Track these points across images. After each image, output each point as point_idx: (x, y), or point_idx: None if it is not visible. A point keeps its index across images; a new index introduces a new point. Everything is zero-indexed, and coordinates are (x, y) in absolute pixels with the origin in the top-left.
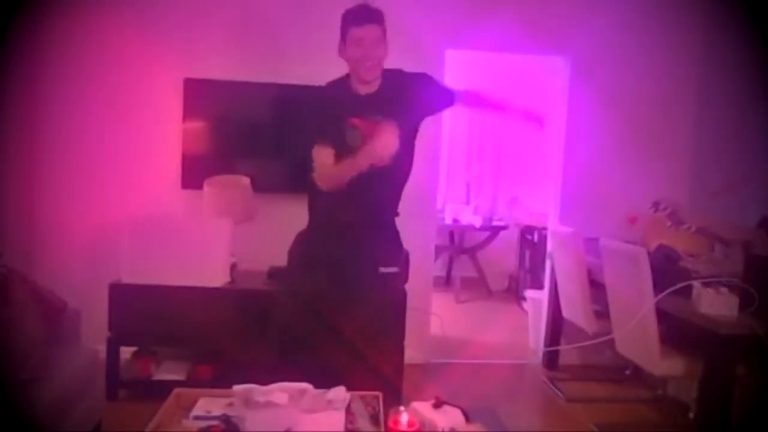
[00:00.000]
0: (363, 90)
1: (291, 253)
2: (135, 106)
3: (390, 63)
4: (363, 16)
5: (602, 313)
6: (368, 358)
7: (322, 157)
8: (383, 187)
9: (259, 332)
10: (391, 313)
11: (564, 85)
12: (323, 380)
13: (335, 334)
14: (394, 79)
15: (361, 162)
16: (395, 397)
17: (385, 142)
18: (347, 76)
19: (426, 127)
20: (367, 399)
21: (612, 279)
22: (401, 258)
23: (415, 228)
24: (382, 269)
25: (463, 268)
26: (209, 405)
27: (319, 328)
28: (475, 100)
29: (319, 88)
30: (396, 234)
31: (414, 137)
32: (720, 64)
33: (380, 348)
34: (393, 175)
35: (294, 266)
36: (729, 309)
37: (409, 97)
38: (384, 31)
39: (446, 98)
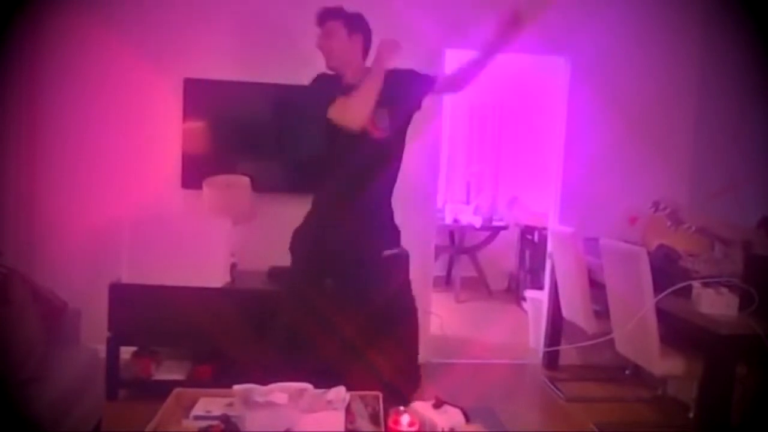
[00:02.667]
0: (352, 81)
1: (292, 248)
2: (135, 106)
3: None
4: (322, 16)
5: (602, 313)
6: (384, 346)
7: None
8: (376, 175)
9: (259, 332)
10: (402, 296)
11: (564, 85)
12: (334, 377)
13: (344, 325)
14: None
15: (376, 73)
16: (413, 384)
17: (387, 44)
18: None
19: (426, 127)
20: (366, 399)
21: (612, 279)
22: (400, 239)
23: (415, 228)
24: (386, 252)
25: (463, 268)
26: (209, 405)
27: (326, 322)
28: (464, 72)
29: (312, 82)
30: (391, 217)
31: (405, 128)
32: (719, 64)
33: (396, 336)
34: (385, 164)
35: (297, 260)
36: (729, 309)
37: (399, 90)
38: (346, 25)
39: (428, 82)
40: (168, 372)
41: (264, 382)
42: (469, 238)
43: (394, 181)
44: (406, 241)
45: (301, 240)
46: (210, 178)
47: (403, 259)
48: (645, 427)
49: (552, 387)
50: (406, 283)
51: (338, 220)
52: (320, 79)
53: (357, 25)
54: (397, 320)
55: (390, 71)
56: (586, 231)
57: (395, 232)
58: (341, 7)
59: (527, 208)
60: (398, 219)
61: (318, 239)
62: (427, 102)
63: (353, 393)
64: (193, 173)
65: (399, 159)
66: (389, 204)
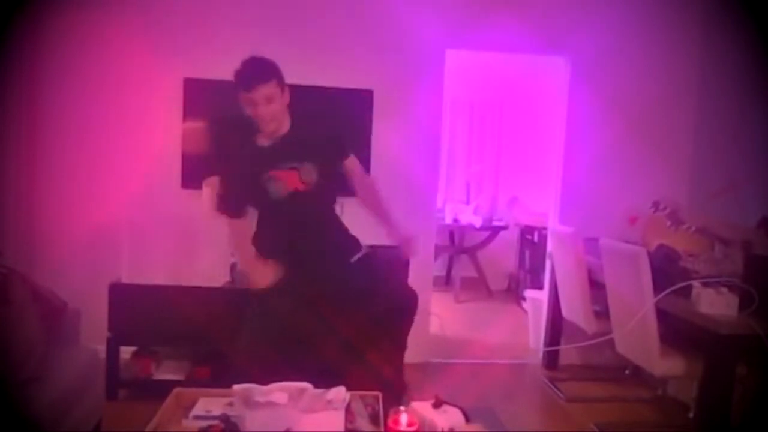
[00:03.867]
0: (268, 141)
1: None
2: (135, 106)
3: (390, 63)
4: (252, 78)
5: (602, 313)
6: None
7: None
8: (316, 214)
9: (259, 332)
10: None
11: (564, 85)
12: (334, 377)
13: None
14: (301, 121)
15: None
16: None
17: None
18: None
19: (426, 126)
20: (366, 399)
21: (612, 279)
22: (358, 242)
23: (415, 228)
24: (352, 258)
25: (463, 268)
26: (209, 405)
27: (322, 324)
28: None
29: (226, 131)
30: (344, 230)
31: (338, 169)
32: (720, 64)
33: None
34: (321, 204)
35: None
36: (729, 309)
37: (317, 137)
38: (279, 83)
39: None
40: (168, 372)
41: (264, 382)
42: (469, 238)
43: (334, 202)
44: None
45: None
46: (210, 178)
47: (375, 256)
48: (645, 427)
49: (552, 387)
50: (400, 282)
51: (300, 265)
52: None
53: (282, 77)
54: (398, 310)
55: (306, 114)
56: (586, 231)
57: (352, 240)
58: (273, 63)
59: (527, 208)
60: (398, 219)
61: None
62: (427, 101)
63: (353, 393)
64: (193, 173)
65: (331, 198)
66: (337, 220)
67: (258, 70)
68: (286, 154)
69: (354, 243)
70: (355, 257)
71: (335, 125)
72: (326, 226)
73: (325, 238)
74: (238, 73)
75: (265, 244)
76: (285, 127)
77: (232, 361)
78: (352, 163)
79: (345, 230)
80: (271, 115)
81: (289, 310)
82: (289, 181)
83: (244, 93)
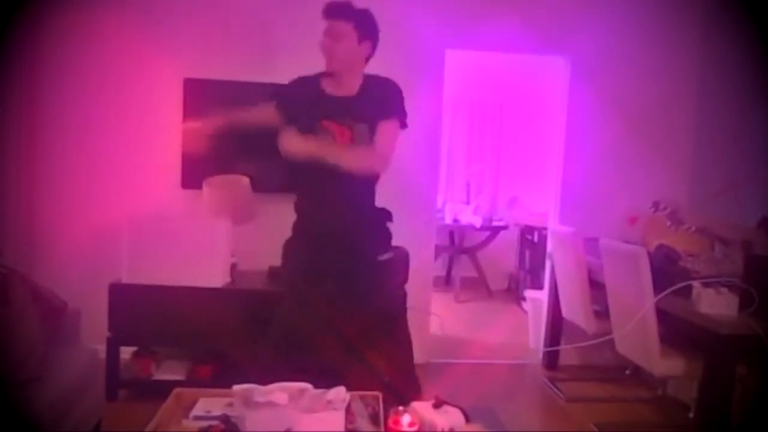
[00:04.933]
0: (338, 92)
1: (285, 262)
2: (135, 106)
3: (390, 63)
4: (335, 9)
5: (602, 313)
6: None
7: (291, 132)
8: (354, 183)
9: (259, 332)
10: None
11: (564, 85)
12: (334, 376)
13: (343, 327)
14: (375, 86)
15: (328, 158)
16: (414, 388)
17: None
18: (321, 75)
19: (426, 126)
20: (366, 399)
21: (612, 279)
22: (391, 243)
23: (415, 228)
24: (380, 257)
25: (463, 268)
26: (209, 405)
27: (324, 324)
28: None
29: (291, 83)
30: (381, 221)
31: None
32: (720, 64)
33: (393, 337)
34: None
35: (292, 272)
36: (729, 309)
37: (382, 107)
38: (357, 28)
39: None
40: (168, 372)
41: (264, 382)
42: (469, 238)
43: (374, 186)
44: (406, 240)
45: (293, 253)
46: (210, 178)
47: (401, 261)
48: (645, 427)
49: (552, 387)
50: (400, 286)
51: (327, 230)
52: (298, 83)
53: (369, 31)
54: (389, 323)
55: (383, 84)
56: (586, 231)
57: (386, 236)
58: (353, 5)
59: (527, 208)
60: (398, 219)
61: (310, 252)
62: (427, 102)
63: (353, 393)
64: (193, 173)
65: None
66: (375, 208)
67: (344, 7)
68: (345, 108)
69: (386, 238)
70: (384, 256)
71: (400, 96)
72: (364, 208)
73: (358, 226)
74: (326, 3)
75: (301, 205)
76: (354, 87)
77: (255, 359)
78: (389, 125)
79: (380, 219)
80: (336, 53)
81: (306, 305)
82: (340, 136)
83: (324, 22)
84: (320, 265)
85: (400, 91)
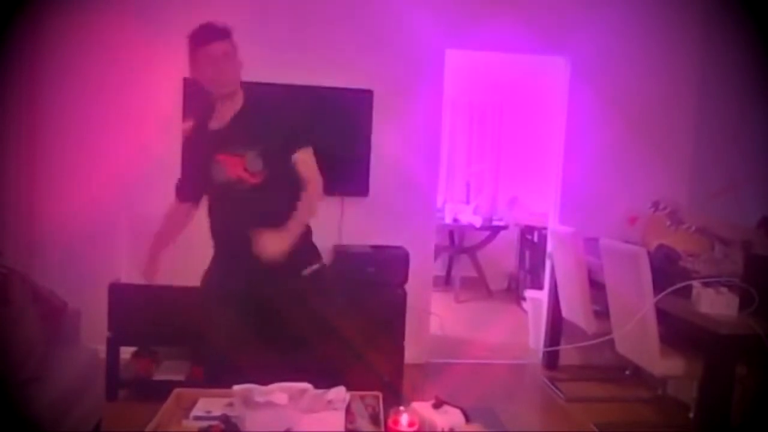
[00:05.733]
0: (216, 124)
1: (205, 293)
2: (135, 106)
3: (390, 63)
4: (211, 34)
5: (602, 313)
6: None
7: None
8: (263, 206)
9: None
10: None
11: (564, 85)
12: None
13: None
14: (256, 103)
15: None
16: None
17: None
18: (206, 108)
19: (426, 126)
20: (366, 399)
21: (612, 279)
22: (317, 254)
23: (415, 227)
24: (305, 271)
25: (463, 268)
26: (209, 405)
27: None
28: None
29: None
30: (302, 236)
31: (287, 160)
32: (720, 64)
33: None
34: (270, 201)
35: (212, 307)
36: (729, 309)
37: (271, 124)
38: (232, 44)
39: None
40: (168, 372)
41: (264, 382)
42: (468, 238)
43: (293, 199)
44: (406, 240)
45: (209, 281)
46: None
47: (326, 274)
48: (645, 427)
49: (552, 387)
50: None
51: (245, 252)
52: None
53: (234, 41)
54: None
55: (261, 100)
56: (586, 231)
57: (312, 250)
58: (226, 25)
59: (527, 208)
60: (398, 218)
61: (228, 278)
62: (427, 101)
63: (353, 393)
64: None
65: (284, 189)
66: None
67: (215, 28)
68: (233, 138)
69: (311, 253)
70: (309, 269)
71: (294, 114)
72: (276, 222)
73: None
74: (195, 32)
75: (215, 235)
76: (238, 102)
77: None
78: (303, 155)
79: (303, 235)
80: (228, 74)
81: (227, 315)
82: (231, 167)
83: (202, 48)
84: (238, 289)
85: (292, 112)
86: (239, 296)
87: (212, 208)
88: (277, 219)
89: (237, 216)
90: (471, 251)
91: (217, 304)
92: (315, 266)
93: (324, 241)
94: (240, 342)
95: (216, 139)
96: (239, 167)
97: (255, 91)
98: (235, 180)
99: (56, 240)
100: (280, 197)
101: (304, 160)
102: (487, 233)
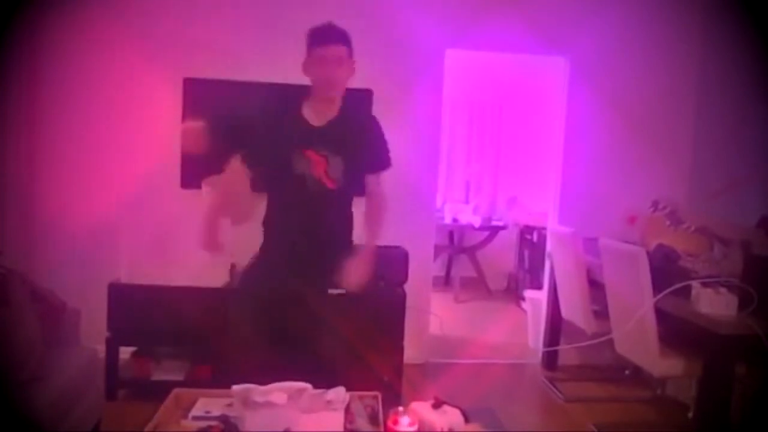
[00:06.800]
0: (316, 120)
1: (243, 285)
2: (135, 106)
3: (390, 63)
4: (330, 36)
5: (601, 313)
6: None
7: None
8: (329, 210)
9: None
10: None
11: (564, 85)
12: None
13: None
14: (352, 114)
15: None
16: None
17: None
18: (301, 100)
19: (425, 126)
20: (366, 399)
21: (611, 279)
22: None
23: (415, 227)
24: (332, 291)
25: (463, 268)
26: (208, 405)
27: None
28: None
29: (266, 114)
30: (350, 242)
31: (359, 171)
32: (719, 63)
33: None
34: (337, 211)
35: (247, 301)
36: (728, 309)
37: (358, 139)
38: (349, 52)
39: (383, 159)
40: (167, 372)
41: (264, 382)
42: (468, 238)
43: (349, 205)
44: (405, 240)
45: (253, 280)
46: (209, 178)
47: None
48: (644, 427)
49: (551, 387)
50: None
51: (296, 260)
52: (276, 113)
53: (352, 51)
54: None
55: (358, 113)
56: (585, 231)
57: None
58: (348, 34)
59: (527, 208)
60: (398, 219)
61: (273, 278)
62: (426, 101)
63: (353, 393)
64: (193, 173)
65: (349, 199)
66: (347, 241)
67: (336, 31)
68: (324, 138)
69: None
70: (336, 291)
71: (381, 135)
72: (334, 229)
73: (327, 243)
74: (316, 29)
75: (270, 226)
76: (335, 110)
77: (224, 360)
78: (377, 177)
79: (351, 242)
80: (335, 79)
81: (268, 308)
82: (315, 165)
83: (317, 49)
84: (278, 288)
85: (381, 132)
86: (276, 296)
87: (277, 199)
88: (337, 229)
89: (301, 214)
90: (470, 251)
91: (252, 300)
92: (342, 290)
93: None
94: (262, 342)
95: (311, 136)
96: (321, 168)
97: (350, 101)
98: (314, 179)
99: (56, 240)
100: (347, 210)
101: (380, 183)
102: (486, 233)
